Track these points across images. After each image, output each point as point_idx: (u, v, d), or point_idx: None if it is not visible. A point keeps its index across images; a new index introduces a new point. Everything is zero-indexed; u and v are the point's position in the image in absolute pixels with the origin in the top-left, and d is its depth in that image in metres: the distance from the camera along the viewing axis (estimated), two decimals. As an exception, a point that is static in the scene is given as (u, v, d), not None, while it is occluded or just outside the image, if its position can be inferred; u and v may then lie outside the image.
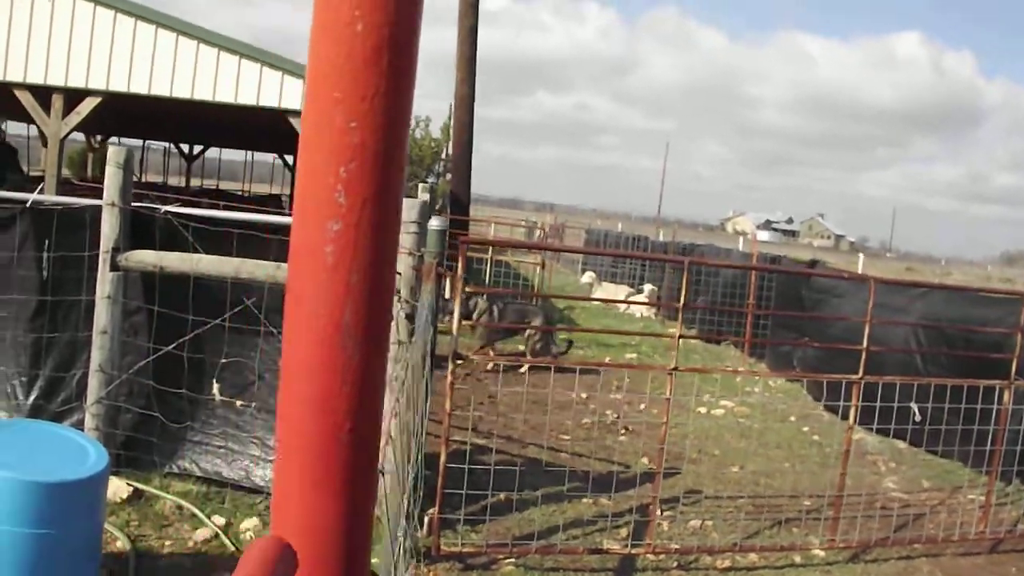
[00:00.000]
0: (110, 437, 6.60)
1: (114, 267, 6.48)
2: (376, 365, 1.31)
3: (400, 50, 1.24)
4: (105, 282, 6.52)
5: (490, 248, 23.16)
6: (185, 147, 43.48)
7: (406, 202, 6.06)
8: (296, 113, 16.72)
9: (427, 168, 54.51)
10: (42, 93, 17.30)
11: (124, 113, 22.36)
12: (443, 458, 6.37)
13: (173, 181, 43.25)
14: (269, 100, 16.81)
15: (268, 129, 22.93)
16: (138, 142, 41.99)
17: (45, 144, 39.98)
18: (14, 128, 40.31)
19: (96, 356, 6.60)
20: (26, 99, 17.33)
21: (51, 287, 6.86)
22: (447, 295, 11.67)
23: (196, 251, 6.60)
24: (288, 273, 1.29)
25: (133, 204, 6.61)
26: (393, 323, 5.85)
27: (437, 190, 54.54)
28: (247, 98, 16.82)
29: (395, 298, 5.82)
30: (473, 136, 23.25)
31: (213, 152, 45.58)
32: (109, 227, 6.47)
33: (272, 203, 37.35)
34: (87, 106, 17.15)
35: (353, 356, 1.28)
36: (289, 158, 43.40)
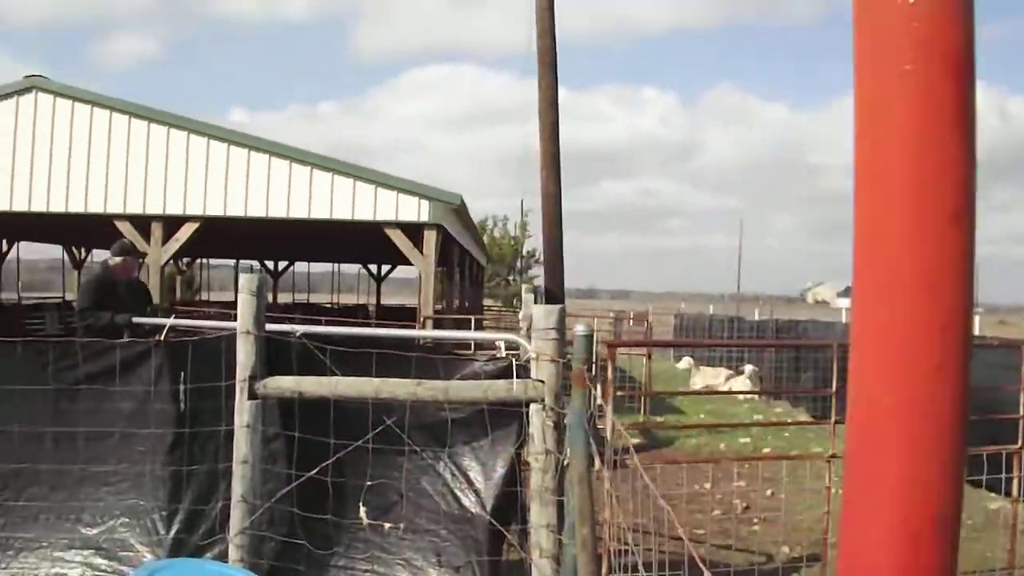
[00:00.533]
0: (256, 567, 6.48)
1: (252, 395, 6.42)
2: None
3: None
4: (243, 411, 6.45)
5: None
6: (270, 263, 44.19)
7: (543, 309, 5.96)
8: (391, 224, 16.88)
9: (508, 266, 54.78)
10: (142, 222, 17.66)
11: (215, 235, 22.75)
12: (605, 567, 6.17)
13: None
14: (364, 213, 16.98)
15: (356, 241, 23.20)
16: (227, 262, 42.80)
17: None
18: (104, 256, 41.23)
19: (238, 486, 6.51)
20: (126, 229, 17.68)
21: (188, 419, 6.81)
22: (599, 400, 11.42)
23: (333, 373, 6.53)
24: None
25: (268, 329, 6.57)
26: (538, 433, 5.71)
27: (521, 287, 54.69)
28: (342, 213, 17.01)
29: (539, 407, 5.68)
30: (563, 232, 23.24)
31: (299, 266, 46.26)
32: (245, 355, 6.43)
33: (361, 313, 37.71)
34: (185, 232, 17.47)
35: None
36: (374, 267, 43.94)
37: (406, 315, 38.05)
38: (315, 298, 46.88)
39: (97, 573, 7.14)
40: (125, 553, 7.10)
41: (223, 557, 6.50)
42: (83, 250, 36.90)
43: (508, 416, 6.40)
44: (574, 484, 4.71)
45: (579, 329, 5.92)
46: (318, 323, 18.44)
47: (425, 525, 6.87)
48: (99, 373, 6.92)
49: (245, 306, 6.53)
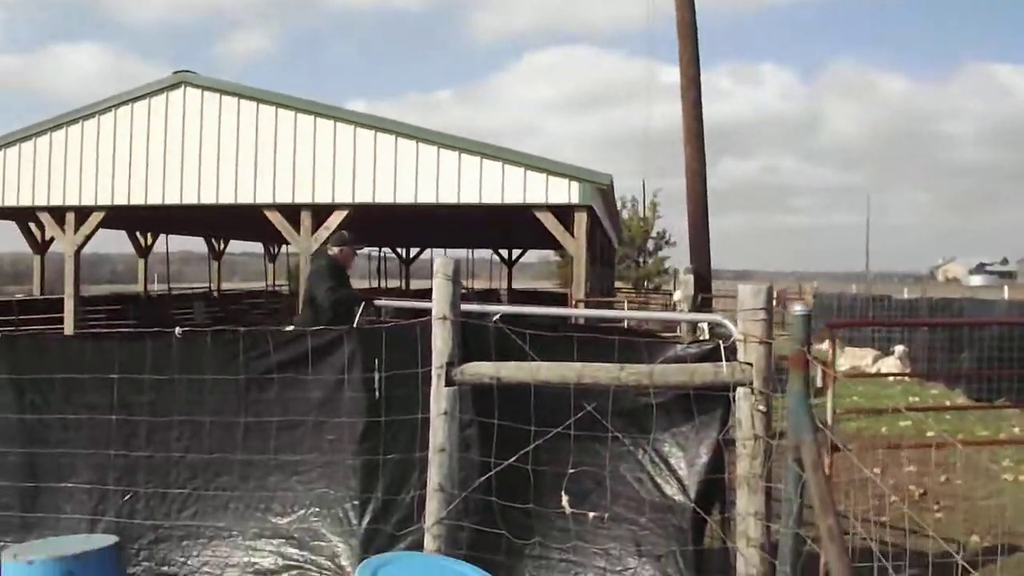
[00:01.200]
0: (452, 557, 6.33)
1: (449, 382, 6.27)
2: None
3: None
4: (441, 398, 6.29)
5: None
6: (402, 251, 44.53)
7: (749, 289, 5.66)
8: (541, 207, 16.71)
9: (637, 248, 54.15)
10: (291, 211, 17.80)
11: (355, 224, 22.91)
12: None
13: (393, 284, 44.07)
14: (513, 197, 16.84)
15: (493, 225, 23.09)
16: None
17: (272, 260, 41.71)
18: (240, 247, 42.06)
19: (435, 474, 6.36)
20: (276, 219, 17.87)
21: (382, 407, 6.70)
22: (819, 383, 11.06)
23: (530, 358, 6.33)
24: None
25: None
26: (746, 417, 5.42)
27: (651, 269, 54.03)
28: (491, 196, 16.90)
29: (747, 391, 5.39)
30: (708, 210, 22.85)
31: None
32: (442, 341, 6.27)
33: (494, 297, 37.73)
34: (335, 220, 17.55)
35: None
36: (505, 252, 43.92)
37: (545, 299, 38.00)
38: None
39: (289, 562, 7.08)
40: (317, 543, 7.03)
41: (417, 547, 6.37)
42: (222, 242, 37.66)
43: (712, 401, 6.12)
44: (809, 471, 4.41)
45: (797, 309, 5.62)
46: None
47: (624, 513, 6.62)
48: (290, 361, 6.86)
49: (440, 291, 6.37)
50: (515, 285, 47.15)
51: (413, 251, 45.53)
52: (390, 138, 17.27)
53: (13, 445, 7.45)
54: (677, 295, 15.85)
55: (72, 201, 19.89)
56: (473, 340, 6.55)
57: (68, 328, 20.06)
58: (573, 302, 16.67)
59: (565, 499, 6.50)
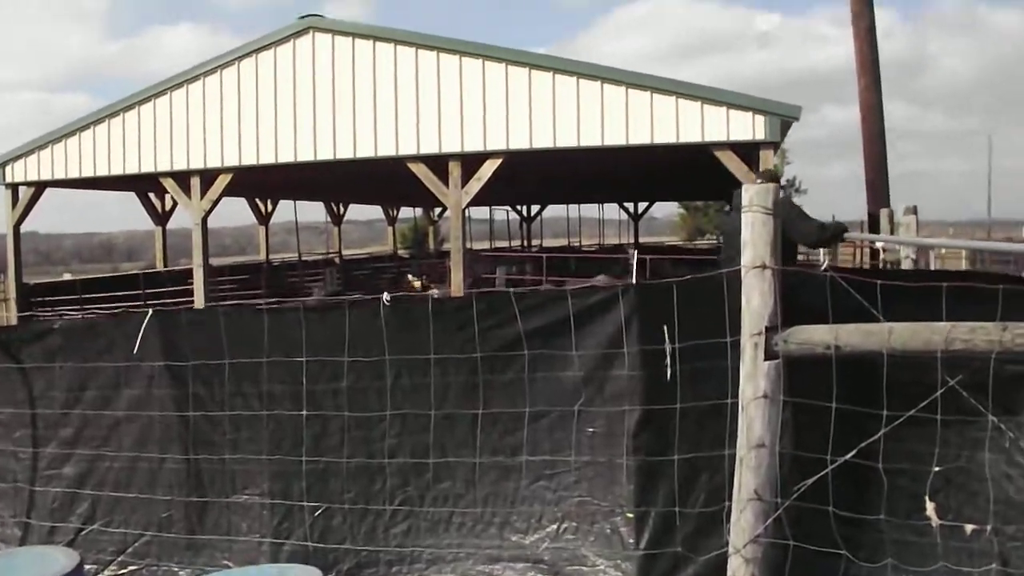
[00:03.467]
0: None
1: (770, 353, 4.58)
2: None
3: None
4: (758, 375, 4.64)
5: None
6: (523, 209, 42.98)
7: None
8: (720, 145, 14.96)
9: (768, 196, 52.09)
10: (438, 162, 16.35)
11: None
12: None
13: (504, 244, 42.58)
14: (689, 135, 15.11)
15: (661, 170, 21.35)
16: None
17: (392, 223, 40.54)
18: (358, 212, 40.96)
19: (749, 478, 4.73)
20: (421, 171, 16.44)
21: (675, 388, 5.09)
22: None
23: (874, 319, 4.65)
24: None
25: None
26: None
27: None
28: (664, 136, 15.20)
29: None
30: (886, 148, 20.79)
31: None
32: (760, 298, 4.60)
33: (621, 253, 36.14)
34: (488, 169, 16.05)
35: None
36: (630, 206, 42.14)
37: (690, 254, 35.99)
38: (560, 243, 45.31)
39: (539, 594, 5.58)
40: (575, 567, 5.54)
41: (717, 573, 4.82)
42: (340, 206, 36.52)
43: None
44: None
45: None
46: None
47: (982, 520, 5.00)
48: (540, 331, 5.30)
49: (757, 230, 4.68)
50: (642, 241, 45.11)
51: (534, 209, 43.91)
52: (546, 75, 15.61)
53: (174, 449, 6.17)
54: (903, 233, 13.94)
55: (197, 164, 18.74)
56: (792, 297, 4.88)
57: (199, 301, 18.96)
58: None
59: (931, 507, 4.90)
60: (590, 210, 45.68)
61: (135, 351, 6.07)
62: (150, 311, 6.13)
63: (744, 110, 14.87)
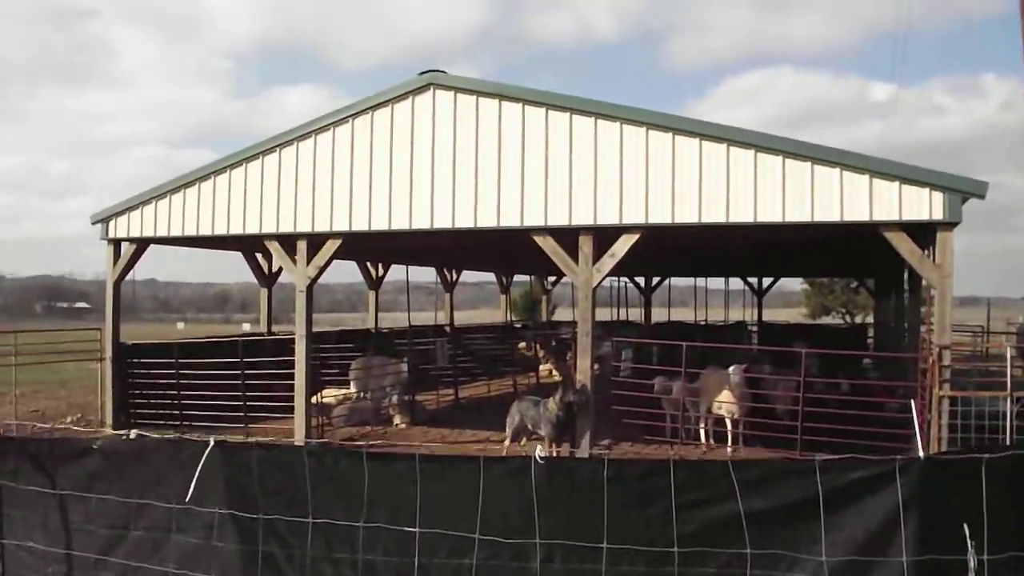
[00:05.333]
0: None
1: None
2: None
3: None
4: None
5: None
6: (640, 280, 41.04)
7: None
8: (891, 225, 13.10)
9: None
10: (567, 236, 14.78)
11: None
12: None
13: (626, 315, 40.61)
14: (856, 212, 13.29)
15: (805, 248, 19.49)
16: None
17: (506, 291, 39.11)
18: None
19: None
20: (548, 245, 14.89)
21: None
22: None
23: None
24: None
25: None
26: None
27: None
28: (827, 213, 13.39)
29: None
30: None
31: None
32: None
33: (742, 333, 34.15)
34: (623, 246, 14.44)
35: None
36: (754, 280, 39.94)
37: (824, 334, 33.58)
38: (676, 314, 43.15)
39: None
40: None
41: None
42: (454, 272, 35.17)
43: None
44: None
45: None
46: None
47: None
48: (760, 518, 3.57)
49: None
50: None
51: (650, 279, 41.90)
52: (692, 141, 13.89)
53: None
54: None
55: (304, 228, 17.44)
56: None
57: (300, 371, 17.59)
58: (935, 348, 12.90)
59: None
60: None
61: (188, 496, 4.54)
62: (211, 442, 4.60)
63: (920, 185, 12.95)
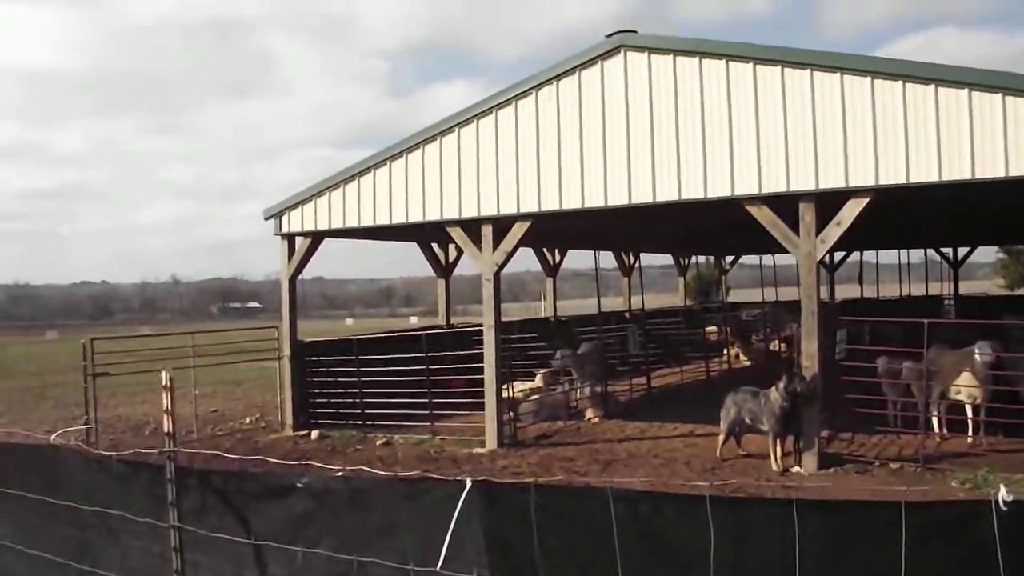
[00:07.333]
0: None
1: None
2: None
3: None
4: None
5: None
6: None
7: None
8: None
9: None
10: (785, 204, 13.40)
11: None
12: None
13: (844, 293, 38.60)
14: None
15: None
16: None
17: (683, 273, 37.56)
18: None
19: None
20: (763, 215, 13.54)
21: None
22: None
23: None
24: None
25: None
26: None
27: None
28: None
29: None
30: None
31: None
32: None
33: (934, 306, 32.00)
34: (849, 212, 12.96)
35: None
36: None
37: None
38: (855, 291, 40.55)
39: None
40: None
41: None
42: (632, 255, 33.77)
43: None
44: None
45: None
46: None
47: None
48: None
49: None
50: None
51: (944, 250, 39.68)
52: (926, 89, 12.30)
53: None
54: None
55: (488, 212, 16.49)
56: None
57: (489, 363, 16.65)
58: None
59: None
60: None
61: (441, 560, 3.45)
62: (469, 482, 3.51)
63: None
